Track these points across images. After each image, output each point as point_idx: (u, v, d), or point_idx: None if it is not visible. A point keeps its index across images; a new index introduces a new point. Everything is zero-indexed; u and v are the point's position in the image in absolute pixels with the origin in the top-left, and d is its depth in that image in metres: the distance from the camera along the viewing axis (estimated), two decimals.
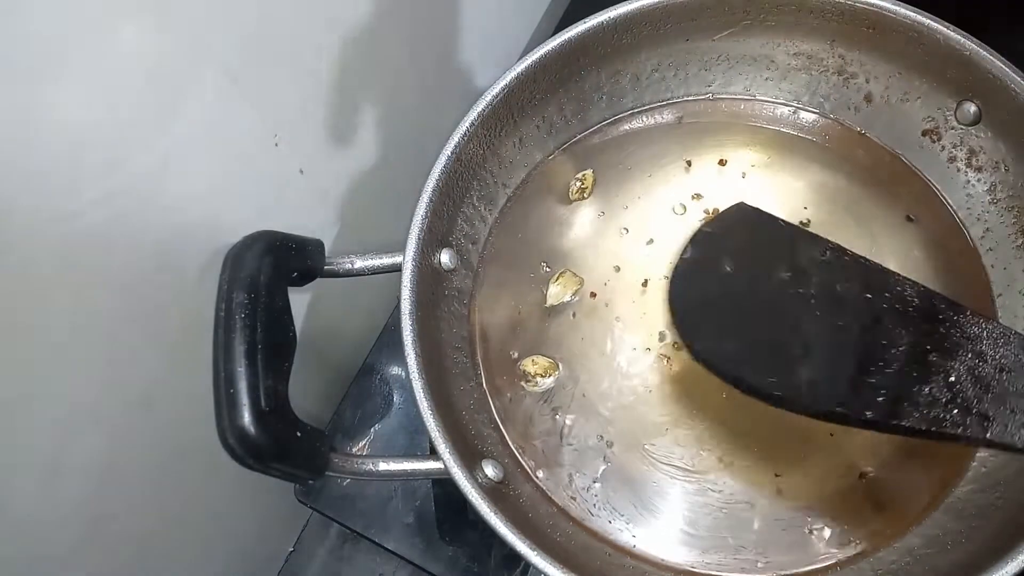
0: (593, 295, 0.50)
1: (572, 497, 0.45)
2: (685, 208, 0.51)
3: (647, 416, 0.47)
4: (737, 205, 0.45)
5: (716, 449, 0.46)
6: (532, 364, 0.48)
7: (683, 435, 0.46)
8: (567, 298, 0.50)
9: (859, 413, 0.35)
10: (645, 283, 0.50)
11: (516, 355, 0.49)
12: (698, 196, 0.52)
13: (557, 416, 0.48)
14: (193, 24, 0.38)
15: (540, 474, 0.46)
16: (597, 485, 0.46)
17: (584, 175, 0.53)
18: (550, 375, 0.48)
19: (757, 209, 0.44)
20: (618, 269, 0.50)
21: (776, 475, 0.45)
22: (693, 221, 0.51)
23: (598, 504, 0.45)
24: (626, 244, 0.51)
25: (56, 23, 0.32)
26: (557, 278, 0.50)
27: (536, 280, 0.51)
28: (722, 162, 0.52)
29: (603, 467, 0.46)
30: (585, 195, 0.52)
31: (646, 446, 0.46)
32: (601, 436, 0.47)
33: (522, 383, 0.48)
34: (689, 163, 0.52)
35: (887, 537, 0.43)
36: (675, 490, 0.45)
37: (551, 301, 0.50)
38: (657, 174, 0.53)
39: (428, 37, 0.58)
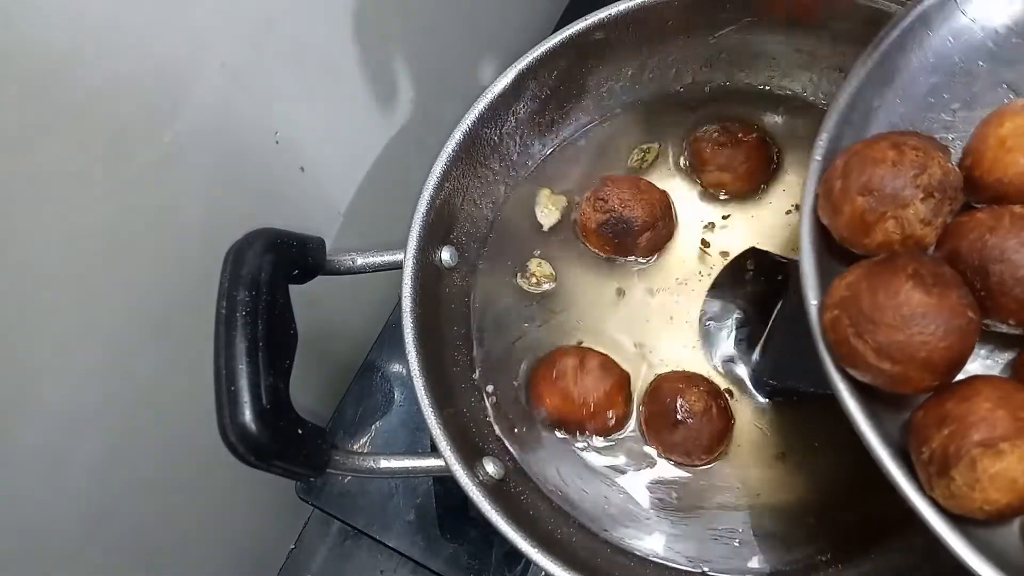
0: None
1: (572, 493, 0.46)
2: (713, 225, 0.51)
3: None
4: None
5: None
6: (538, 266, 0.50)
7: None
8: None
9: None
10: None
11: (539, 253, 0.51)
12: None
13: (525, 324, 0.50)
14: (195, 20, 0.38)
15: (480, 378, 0.48)
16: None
17: (650, 147, 0.53)
18: (546, 283, 0.50)
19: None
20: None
21: (772, 473, 0.45)
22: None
23: (597, 501, 0.45)
24: None
25: (58, 23, 0.32)
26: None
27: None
28: None
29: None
30: (644, 166, 0.52)
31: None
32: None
33: (519, 275, 0.50)
34: None
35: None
36: (670, 488, 0.45)
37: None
38: None
39: (429, 35, 0.58)
